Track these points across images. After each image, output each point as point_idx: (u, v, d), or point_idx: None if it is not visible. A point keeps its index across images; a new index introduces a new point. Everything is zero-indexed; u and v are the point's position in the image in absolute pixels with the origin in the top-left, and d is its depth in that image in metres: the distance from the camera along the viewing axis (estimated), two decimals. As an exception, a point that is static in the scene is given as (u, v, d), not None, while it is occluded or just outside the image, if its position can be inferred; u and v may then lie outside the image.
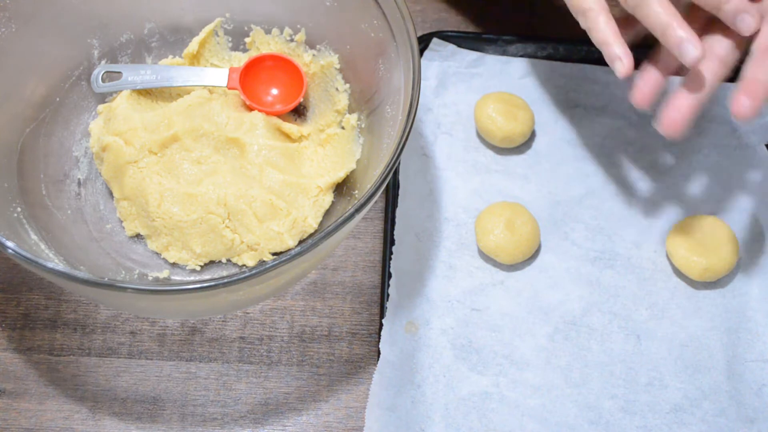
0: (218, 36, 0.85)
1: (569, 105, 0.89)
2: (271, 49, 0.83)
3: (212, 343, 0.76)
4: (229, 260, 0.78)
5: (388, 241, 0.79)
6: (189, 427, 0.73)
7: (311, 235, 0.78)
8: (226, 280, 0.61)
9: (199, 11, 0.84)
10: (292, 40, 0.83)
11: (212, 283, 0.61)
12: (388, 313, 0.76)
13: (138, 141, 0.77)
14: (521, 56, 0.90)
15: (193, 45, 0.83)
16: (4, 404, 0.74)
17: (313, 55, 0.83)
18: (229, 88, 0.81)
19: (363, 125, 0.81)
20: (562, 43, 0.90)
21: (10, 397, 0.74)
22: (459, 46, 0.89)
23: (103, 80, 0.81)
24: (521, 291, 0.80)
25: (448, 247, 0.81)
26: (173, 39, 0.84)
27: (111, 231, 0.79)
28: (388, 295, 0.77)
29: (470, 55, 0.90)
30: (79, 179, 0.80)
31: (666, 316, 0.79)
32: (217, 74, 0.81)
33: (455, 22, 0.94)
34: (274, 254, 0.77)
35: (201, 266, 0.77)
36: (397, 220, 0.80)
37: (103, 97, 0.83)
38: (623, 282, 0.80)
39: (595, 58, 0.89)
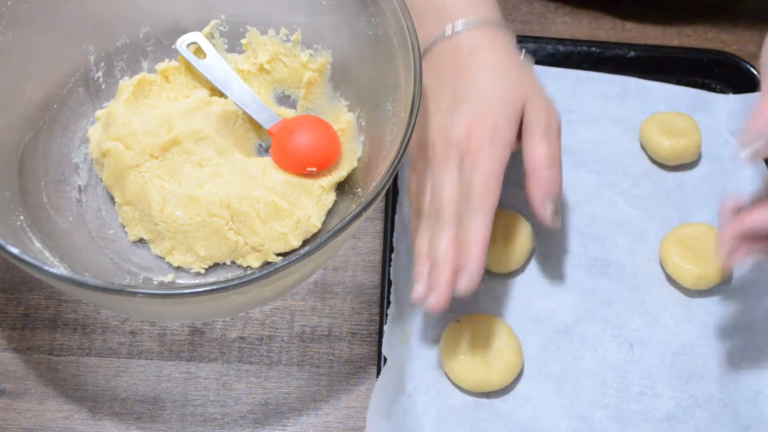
0: (214, 38, 0.81)
1: (563, 111, 0.85)
2: (267, 50, 0.81)
3: (212, 343, 0.75)
4: (233, 262, 0.76)
5: (388, 247, 0.77)
6: (189, 427, 0.72)
7: (315, 234, 0.76)
8: (236, 282, 0.58)
9: (194, 14, 0.81)
10: (288, 41, 0.81)
11: (222, 285, 0.58)
12: (388, 320, 0.74)
13: (138, 145, 0.74)
14: None
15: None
16: (4, 404, 0.72)
17: (310, 54, 0.80)
18: (270, 134, 0.79)
19: (363, 123, 0.78)
20: (562, 43, 0.89)
21: (10, 397, 0.72)
22: None
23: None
24: (513, 299, 0.77)
25: None
26: (169, 42, 0.81)
27: (114, 236, 0.77)
28: (389, 302, 0.75)
29: None
30: (79, 185, 0.78)
31: (659, 324, 0.76)
32: (268, 114, 0.79)
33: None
34: (278, 255, 0.75)
35: (205, 269, 0.75)
36: (395, 227, 0.78)
37: (101, 103, 0.80)
38: (616, 290, 0.77)
39: (593, 61, 0.88)
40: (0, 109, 0.72)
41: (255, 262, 0.75)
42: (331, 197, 0.78)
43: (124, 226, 0.77)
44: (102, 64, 0.80)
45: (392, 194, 0.80)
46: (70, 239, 0.74)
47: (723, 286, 0.78)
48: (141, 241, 0.77)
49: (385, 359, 0.72)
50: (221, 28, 0.82)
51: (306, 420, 0.73)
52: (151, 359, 0.75)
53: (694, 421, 0.72)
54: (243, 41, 0.82)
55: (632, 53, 0.89)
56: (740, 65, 0.88)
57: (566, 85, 0.87)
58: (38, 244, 0.70)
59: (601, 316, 0.77)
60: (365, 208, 0.63)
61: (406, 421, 0.71)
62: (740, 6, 0.95)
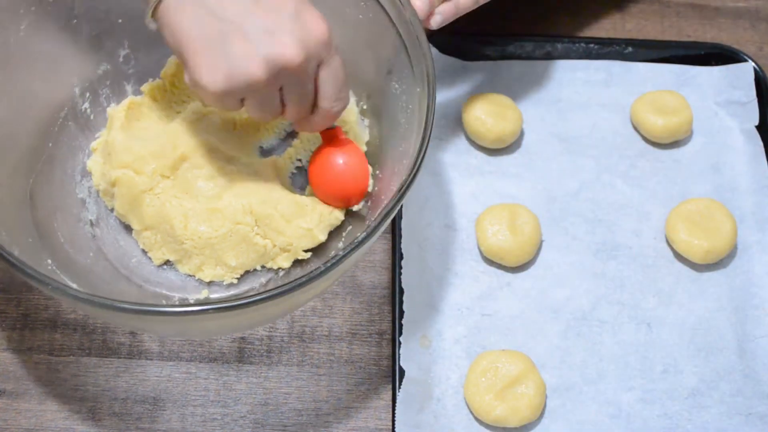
0: None
1: (552, 101, 0.86)
2: None
3: (212, 343, 0.74)
4: (263, 266, 0.74)
5: (397, 255, 0.76)
6: (189, 427, 0.71)
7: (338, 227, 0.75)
8: (264, 296, 0.58)
9: None
10: None
11: (264, 296, 0.58)
12: (403, 331, 0.73)
13: (148, 168, 0.73)
14: (518, 56, 0.88)
15: (171, 65, 0.79)
16: (4, 404, 0.71)
17: None
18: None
19: (365, 106, 0.77)
20: (560, 40, 0.89)
21: (10, 397, 0.72)
22: (452, 46, 0.87)
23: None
24: (528, 291, 0.77)
25: (452, 254, 0.78)
26: (148, 61, 0.79)
27: (137, 264, 0.75)
28: (402, 312, 0.74)
29: (450, 60, 0.87)
30: (90, 220, 0.76)
31: (673, 302, 0.77)
32: None
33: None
34: (306, 251, 0.74)
35: (237, 278, 0.74)
36: (402, 232, 0.77)
37: (93, 134, 0.78)
38: (628, 272, 0.78)
39: (592, 58, 0.88)
40: (1, 156, 0.71)
41: (285, 262, 0.74)
42: None
43: (145, 252, 0.75)
44: (87, 95, 0.78)
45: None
46: (95, 275, 0.73)
47: (730, 257, 0.79)
48: (167, 263, 0.75)
49: (403, 371, 0.71)
50: None
51: (306, 420, 0.72)
52: (151, 359, 0.74)
53: (718, 394, 0.73)
54: None
55: (630, 49, 0.89)
56: (739, 58, 0.88)
57: (552, 76, 0.88)
58: (73, 285, 0.68)
59: (616, 299, 0.77)
60: (389, 213, 0.62)
61: (437, 426, 0.71)
62: (740, 6, 0.95)
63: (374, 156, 0.76)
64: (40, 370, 0.73)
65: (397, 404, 0.70)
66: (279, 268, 0.75)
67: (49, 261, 0.68)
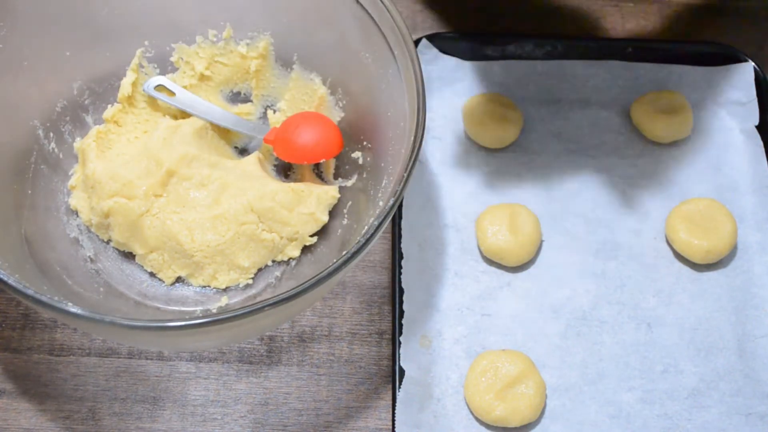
0: (144, 68, 0.79)
1: (552, 100, 0.86)
2: (201, 57, 0.79)
3: None
4: (273, 261, 0.75)
5: (396, 254, 0.76)
6: (189, 427, 0.71)
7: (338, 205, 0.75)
8: (273, 301, 0.58)
9: (117, 51, 0.78)
10: (219, 40, 0.79)
11: (272, 302, 0.58)
12: (403, 330, 0.73)
13: (139, 191, 0.72)
14: (518, 56, 0.87)
15: (125, 87, 0.78)
16: (4, 404, 0.71)
17: (247, 44, 0.79)
18: (265, 141, 0.77)
19: (330, 80, 0.78)
20: (560, 40, 0.88)
21: (10, 397, 0.71)
22: (452, 46, 0.87)
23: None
24: (529, 291, 0.77)
25: (452, 254, 0.78)
26: (102, 89, 0.79)
27: (148, 287, 0.74)
28: (402, 312, 0.73)
29: (450, 61, 0.86)
30: (89, 257, 0.75)
31: (673, 302, 0.76)
32: (253, 125, 0.79)
33: (444, 22, 0.93)
34: (312, 236, 0.75)
35: (252, 278, 0.75)
36: (402, 232, 0.77)
37: (66, 172, 0.78)
38: (628, 271, 0.78)
39: (592, 58, 0.87)
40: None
41: (294, 251, 0.75)
42: (331, 162, 0.78)
43: (153, 275, 0.75)
44: (51, 135, 0.77)
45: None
46: (112, 309, 0.72)
47: (730, 257, 0.79)
48: (178, 280, 0.75)
49: (403, 371, 0.71)
50: (147, 55, 0.80)
51: (306, 420, 0.72)
52: (151, 359, 0.73)
53: (718, 395, 0.73)
54: (172, 59, 0.80)
55: (630, 49, 0.88)
56: (739, 58, 0.87)
57: (552, 76, 0.87)
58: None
59: (616, 299, 0.77)
60: (381, 224, 0.63)
61: (437, 426, 0.71)
62: (740, 6, 0.94)
63: (363, 122, 0.76)
64: (40, 369, 0.73)
65: (397, 404, 0.70)
66: (290, 259, 0.75)
67: (70, 304, 0.64)
